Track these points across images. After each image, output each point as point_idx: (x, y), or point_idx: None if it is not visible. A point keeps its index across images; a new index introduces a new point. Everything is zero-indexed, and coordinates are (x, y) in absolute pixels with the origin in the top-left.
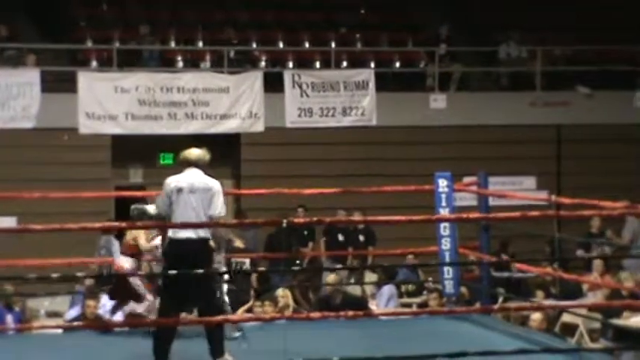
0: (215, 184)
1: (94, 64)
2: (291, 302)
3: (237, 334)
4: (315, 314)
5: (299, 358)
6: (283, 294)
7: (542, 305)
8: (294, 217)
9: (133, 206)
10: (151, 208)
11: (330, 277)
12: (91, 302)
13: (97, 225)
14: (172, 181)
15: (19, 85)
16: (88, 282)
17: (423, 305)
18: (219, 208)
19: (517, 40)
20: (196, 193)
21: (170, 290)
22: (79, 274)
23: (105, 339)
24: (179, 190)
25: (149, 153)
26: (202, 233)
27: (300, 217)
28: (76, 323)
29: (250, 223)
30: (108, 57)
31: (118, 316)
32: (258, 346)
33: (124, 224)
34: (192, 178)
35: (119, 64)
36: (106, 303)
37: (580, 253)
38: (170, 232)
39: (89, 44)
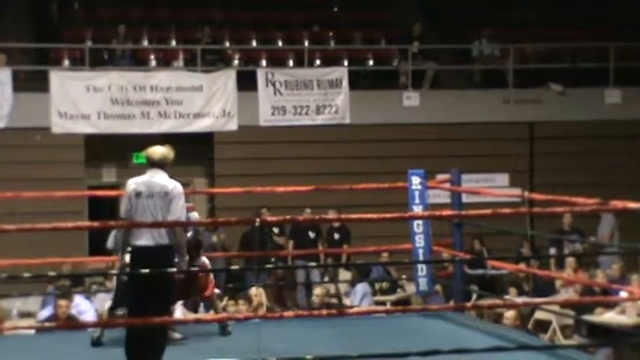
0: (174, 187)
1: (67, 63)
2: (264, 301)
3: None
4: (289, 313)
5: (273, 357)
6: (256, 292)
7: (515, 302)
8: (263, 217)
9: None
10: None
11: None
12: (62, 302)
13: (70, 225)
14: (132, 184)
15: None
16: (64, 282)
17: (398, 303)
18: (179, 212)
19: (489, 37)
20: (154, 197)
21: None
22: (52, 273)
23: (78, 339)
24: (137, 195)
25: (122, 152)
26: (162, 240)
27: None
28: (48, 324)
29: (223, 222)
30: (80, 56)
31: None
32: (232, 345)
33: (96, 224)
34: (151, 180)
35: (91, 64)
36: (79, 303)
37: (552, 250)
38: (130, 239)
39: (61, 43)
